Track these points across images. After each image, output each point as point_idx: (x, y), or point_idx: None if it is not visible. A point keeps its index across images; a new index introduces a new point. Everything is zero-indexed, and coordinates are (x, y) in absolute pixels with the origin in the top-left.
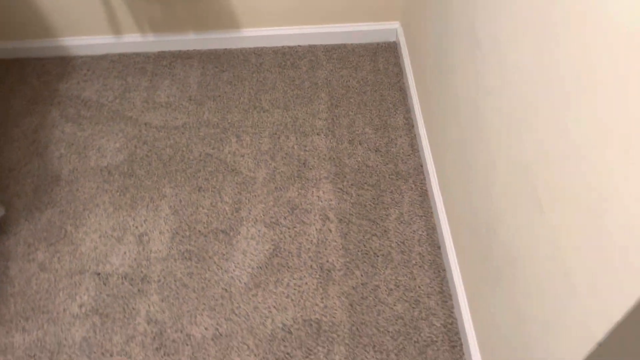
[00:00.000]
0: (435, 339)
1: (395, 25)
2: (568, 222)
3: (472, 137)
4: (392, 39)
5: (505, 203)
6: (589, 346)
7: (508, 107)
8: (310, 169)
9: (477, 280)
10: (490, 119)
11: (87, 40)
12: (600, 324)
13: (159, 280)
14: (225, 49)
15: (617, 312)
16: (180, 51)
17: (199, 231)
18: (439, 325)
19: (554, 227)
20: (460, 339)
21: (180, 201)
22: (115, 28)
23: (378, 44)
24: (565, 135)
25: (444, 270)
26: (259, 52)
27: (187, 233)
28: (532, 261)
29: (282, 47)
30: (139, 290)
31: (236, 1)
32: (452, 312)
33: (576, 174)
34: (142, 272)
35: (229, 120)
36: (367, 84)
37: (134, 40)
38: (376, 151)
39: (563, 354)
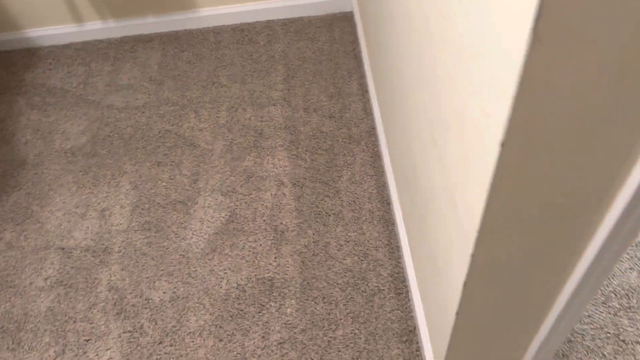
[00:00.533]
0: (382, 287)
1: None
2: (450, 153)
3: (398, 90)
4: (349, 9)
5: (418, 146)
6: (467, 260)
7: (411, 54)
8: (267, 138)
9: (413, 228)
10: (405, 70)
11: (51, 30)
12: (471, 238)
13: (120, 251)
14: (185, 29)
15: (476, 225)
16: (141, 35)
17: (158, 203)
18: (385, 275)
19: (442, 158)
20: (406, 286)
21: (140, 176)
22: (77, 16)
23: (335, 14)
24: (439, 70)
25: (393, 224)
26: (217, 31)
27: (147, 206)
28: (434, 197)
29: (241, 24)
30: (100, 261)
31: None
32: (399, 262)
33: (449, 105)
34: (103, 244)
35: (188, 97)
36: (323, 54)
37: (96, 28)
38: (330, 117)
39: (457, 274)
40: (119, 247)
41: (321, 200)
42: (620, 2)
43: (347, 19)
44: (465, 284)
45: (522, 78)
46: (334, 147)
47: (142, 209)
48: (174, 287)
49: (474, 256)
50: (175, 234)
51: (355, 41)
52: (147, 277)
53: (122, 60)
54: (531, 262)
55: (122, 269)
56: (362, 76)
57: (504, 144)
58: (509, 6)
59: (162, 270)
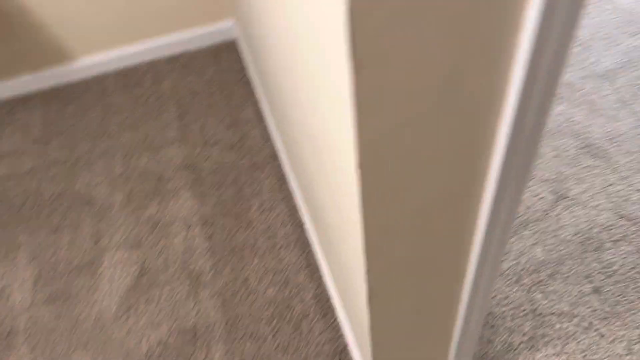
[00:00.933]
0: (307, 312)
1: (230, 22)
2: (329, 173)
3: (286, 112)
4: (233, 37)
5: (310, 166)
6: (364, 276)
7: (286, 79)
8: (168, 181)
9: (325, 246)
10: (286, 93)
11: None
12: (361, 254)
13: (26, 330)
14: (66, 82)
15: (361, 242)
16: (19, 95)
17: (61, 271)
18: (309, 298)
19: (326, 178)
20: (331, 305)
21: (39, 246)
22: None
23: (219, 44)
24: (304, 97)
25: (309, 245)
26: (101, 79)
27: (50, 276)
28: (330, 215)
29: (124, 68)
30: (6, 345)
31: (59, 31)
32: (320, 283)
33: (318, 130)
34: (7, 326)
35: (78, 153)
36: (213, 85)
37: None
38: (231, 148)
39: (360, 289)
40: (25, 326)
41: (234, 235)
42: (429, 28)
43: (232, 47)
44: (370, 299)
45: (357, 103)
46: (240, 178)
47: (45, 280)
48: (92, 358)
49: (369, 272)
50: (85, 300)
51: (244, 68)
52: (61, 353)
53: (1, 125)
54: (425, 264)
55: (32, 350)
56: (257, 102)
57: (361, 166)
58: (333, 37)
59: (76, 341)
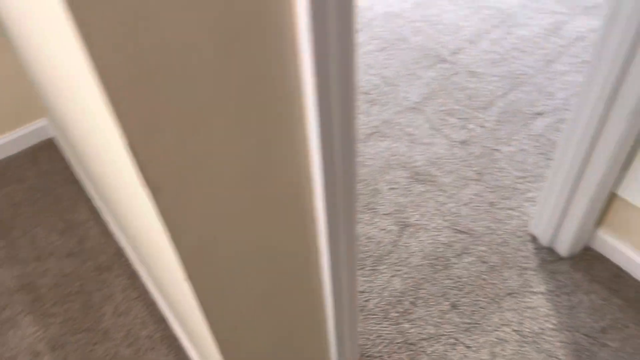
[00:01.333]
0: None
1: (43, 121)
2: (162, 267)
3: (113, 205)
4: (49, 135)
5: (154, 263)
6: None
7: (110, 182)
8: (2, 310)
9: (192, 338)
10: (108, 190)
11: None
12: (213, 344)
13: None
14: None
15: (212, 341)
16: None
17: None
18: None
19: (162, 269)
20: None
21: None
22: None
23: (35, 145)
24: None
25: (176, 339)
26: None
27: None
28: (184, 311)
29: None
30: None
31: None
32: None
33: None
34: None
35: None
36: (37, 191)
37: None
38: (69, 255)
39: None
40: None
41: (90, 351)
42: (216, 143)
43: (50, 146)
44: None
45: (165, 221)
46: (86, 286)
47: None
48: None
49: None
50: None
51: (67, 166)
52: None
53: None
54: (285, 342)
55: None
56: (89, 199)
57: (189, 277)
58: (127, 166)
59: None
